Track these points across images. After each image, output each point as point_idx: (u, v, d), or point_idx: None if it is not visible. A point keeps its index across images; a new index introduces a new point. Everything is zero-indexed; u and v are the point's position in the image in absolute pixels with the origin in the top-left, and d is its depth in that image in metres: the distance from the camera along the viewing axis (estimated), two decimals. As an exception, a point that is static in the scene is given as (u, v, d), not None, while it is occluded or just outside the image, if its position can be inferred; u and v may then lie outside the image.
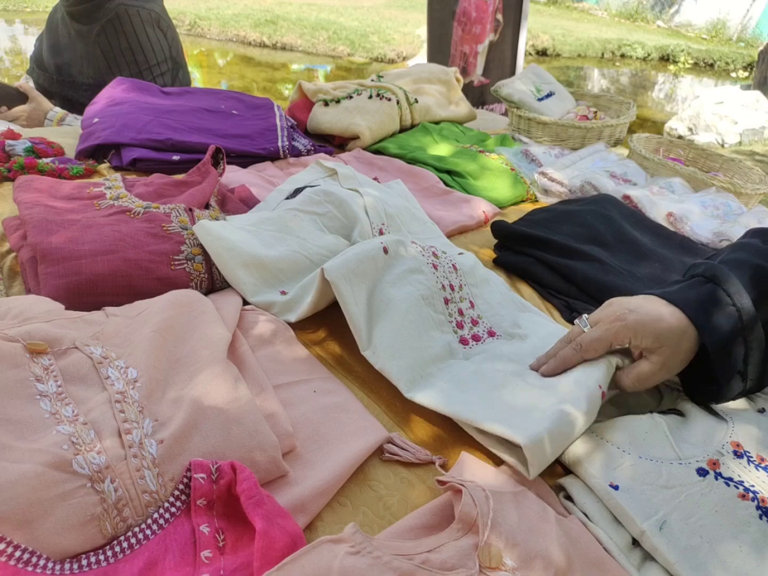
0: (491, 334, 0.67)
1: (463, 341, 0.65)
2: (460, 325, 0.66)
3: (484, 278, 0.73)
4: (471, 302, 0.69)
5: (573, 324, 0.68)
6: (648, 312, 0.56)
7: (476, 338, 0.65)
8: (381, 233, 0.79)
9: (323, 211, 0.80)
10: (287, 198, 0.85)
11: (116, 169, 0.98)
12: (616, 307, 0.58)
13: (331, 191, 0.81)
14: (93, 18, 1.42)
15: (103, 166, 0.98)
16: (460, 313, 0.67)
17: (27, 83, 1.56)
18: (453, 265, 0.71)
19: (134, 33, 1.44)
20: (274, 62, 6.47)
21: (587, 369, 0.57)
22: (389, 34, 7.17)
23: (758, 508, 0.49)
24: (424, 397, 0.56)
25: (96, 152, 1.01)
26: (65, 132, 1.15)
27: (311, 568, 0.39)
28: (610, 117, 1.33)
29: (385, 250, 0.66)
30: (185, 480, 0.44)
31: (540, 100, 1.31)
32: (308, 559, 0.39)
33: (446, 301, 0.67)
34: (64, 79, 1.53)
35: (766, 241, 0.60)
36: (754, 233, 0.64)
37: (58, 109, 1.33)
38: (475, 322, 0.67)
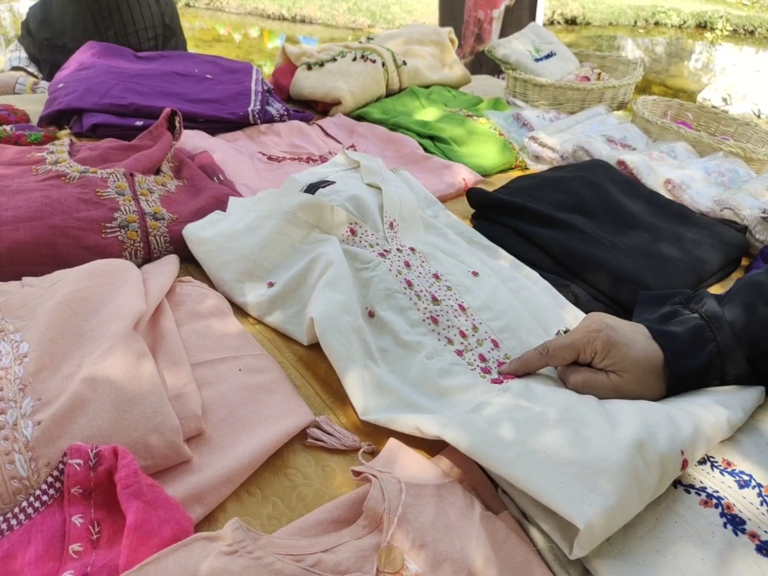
0: None
1: (496, 382, 0.54)
2: (486, 371, 0.55)
3: (509, 305, 0.61)
4: (493, 341, 0.58)
5: None
6: (625, 335, 0.50)
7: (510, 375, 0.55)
8: (392, 226, 0.70)
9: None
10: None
11: (77, 135, 0.94)
12: (594, 319, 0.52)
13: (345, 190, 0.70)
14: None
15: (64, 133, 0.94)
16: (482, 359, 0.56)
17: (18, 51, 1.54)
18: (460, 305, 0.60)
19: None
20: (293, 36, 6.35)
21: (672, 421, 0.44)
22: (411, 4, 6.95)
23: (722, 515, 0.42)
24: (451, 433, 0.44)
25: (60, 118, 0.97)
26: (36, 99, 1.11)
27: (177, 568, 0.34)
28: (616, 79, 1.22)
29: (371, 314, 0.59)
30: (60, 466, 0.40)
31: (538, 60, 1.21)
32: (175, 559, 0.34)
33: (460, 353, 0.57)
34: (55, 44, 1.49)
35: None
36: None
37: (25, 76, 1.29)
38: (503, 364, 0.56)
